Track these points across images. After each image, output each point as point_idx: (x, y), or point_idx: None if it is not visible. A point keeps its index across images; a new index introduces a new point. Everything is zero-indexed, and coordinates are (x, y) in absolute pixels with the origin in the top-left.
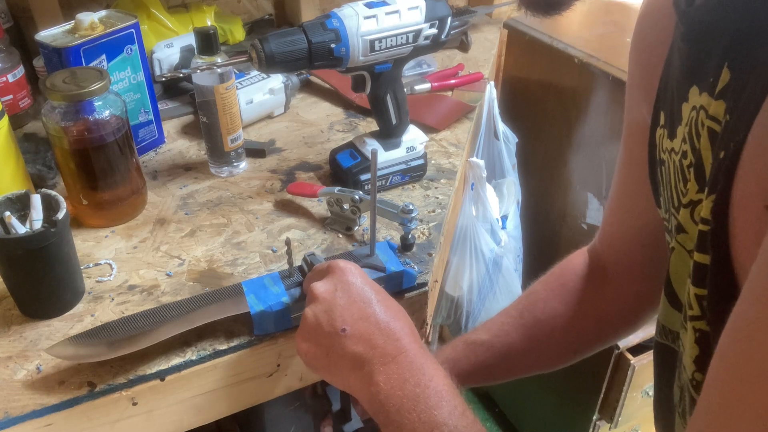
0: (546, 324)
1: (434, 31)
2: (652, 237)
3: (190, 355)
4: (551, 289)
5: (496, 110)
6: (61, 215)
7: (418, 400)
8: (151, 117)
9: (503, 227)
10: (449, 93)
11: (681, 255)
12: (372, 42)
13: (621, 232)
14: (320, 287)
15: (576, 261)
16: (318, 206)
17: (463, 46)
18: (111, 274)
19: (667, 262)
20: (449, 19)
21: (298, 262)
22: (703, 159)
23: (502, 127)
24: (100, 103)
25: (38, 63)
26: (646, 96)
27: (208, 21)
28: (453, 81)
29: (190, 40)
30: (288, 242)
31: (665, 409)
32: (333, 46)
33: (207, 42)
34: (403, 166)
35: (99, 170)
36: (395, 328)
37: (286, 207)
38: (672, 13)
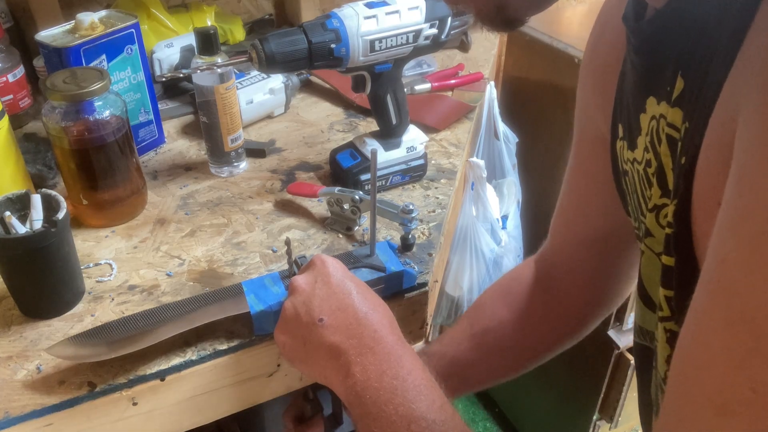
0: (494, 331)
1: (434, 31)
2: (599, 244)
3: (190, 355)
4: (498, 297)
5: (496, 110)
6: (61, 215)
7: (395, 393)
8: (151, 117)
9: (503, 227)
10: (449, 93)
11: (650, 258)
12: (372, 42)
13: (569, 240)
14: (300, 280)
15: (523, 270)
16: (318, 206)
17: (463, 46)
18: (111, 274)
19: (639, 265)
20: (449, 19)
21: None
22: (664, 165)
23: (502, 127)
24: (100, 103)
25: (38, 63)
26: (603, 111)
27: (209, 21)
28: (453, 81)
29: (191, 40)
30: (288, 242)
31: (646, 408)
32: (333, 46)
33: (207, 42)
34: (403, 166)
35: (99, 170)
36: (373, 319)
37: (286, 207)
38: (622, 29)
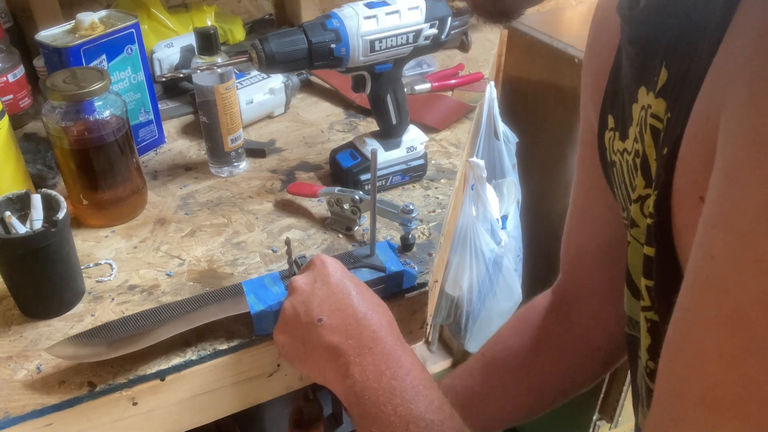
0: (505, 361)
1: (434, 31)
2: (607, 255)
3: (190, 355)
4: (513, 328)
5: (496, 110)
6: (61, 215)
7: (394, 393)
8: (152, 117)
9: (503, 227)
10: (449, 93)
11: (636, 248)
12: (372, 42)
13: (577, 256)
14: (300, 280)
15: (540, 300)
16: (318, 206)
17: (463, 46)
18: (111, 274)
19: (626, 255)
20: (449, 19)
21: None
22: (647, 156)
23: (502, 127)
24: (100, 103)
25: (38, 63)
26: (595, 103)
27: (209, 21)
28: (453, 81)
29: (191, 40)
30: (288, 242)
31: (636, 398)
32: (333, 46)
33: (207, 42)
34: (403, 166)
35: (99, 170)
36: (372, 320)
37: (286, 207)
38: (616, 20)
